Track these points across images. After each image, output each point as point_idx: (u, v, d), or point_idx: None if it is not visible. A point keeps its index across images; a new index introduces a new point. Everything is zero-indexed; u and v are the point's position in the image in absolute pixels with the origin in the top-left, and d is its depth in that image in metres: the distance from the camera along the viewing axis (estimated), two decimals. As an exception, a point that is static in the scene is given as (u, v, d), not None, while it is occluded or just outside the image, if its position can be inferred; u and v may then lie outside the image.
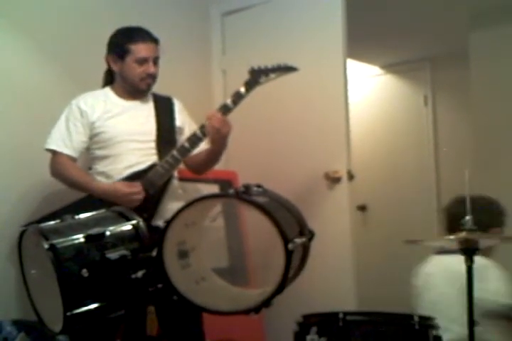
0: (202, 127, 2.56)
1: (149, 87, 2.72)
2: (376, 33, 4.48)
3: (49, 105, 2.88)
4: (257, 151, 3.65)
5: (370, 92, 5.60)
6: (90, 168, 2.71)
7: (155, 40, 2.69)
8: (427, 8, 4.11)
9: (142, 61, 2.64)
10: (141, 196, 2.50)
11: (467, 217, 2.14)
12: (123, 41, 2.65)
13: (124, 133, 2.64)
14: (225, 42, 3.94)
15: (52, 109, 2.72)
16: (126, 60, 2.64)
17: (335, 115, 3.41)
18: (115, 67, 2.69)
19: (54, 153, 2.64)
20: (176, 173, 2.74)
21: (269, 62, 2.63)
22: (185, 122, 2.82)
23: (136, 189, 2.50)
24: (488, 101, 4.13)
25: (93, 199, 2.52)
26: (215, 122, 2.51)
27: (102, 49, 2.73)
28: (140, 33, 2.67)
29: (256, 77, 2.59)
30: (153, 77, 2.70)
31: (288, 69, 2.63)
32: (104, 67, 2.78)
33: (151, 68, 2.66)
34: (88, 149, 2.68)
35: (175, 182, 2.74)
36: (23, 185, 2.89)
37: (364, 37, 4.23)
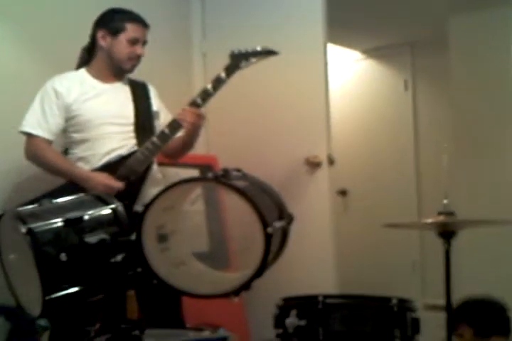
0: (174, 121, 2.55)
1: (133, 68, 2.71)
2: (357, 17, 4.48)
3: (26, 91, 2.83)
4: (238, 136, 3.64)
5: (351, 77, 5.60)
6: (66, 152, 2.68)
7: (146, 25, 2.70)
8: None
9: (134, 41, 2.64)
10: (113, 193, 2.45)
11: (445, 201, 2.16)
12: (120, 18, 2.65)
13: (103, 116, 2.62)
14: (205, 25, 3.91)
15: (29, 94, 2.67)
16: (119, 36, 2.63)
17: (315, 100, 3.41)
18: (103, 43, 2.66)
19: (29, 135, 2.60)
20: (155, 159, 2.73)
21: (250, 46, 2.61)
22: (160, 107, 2.82)
23: (116, 184, 2.48)
24: (468, 86, 4.14)
25: (73, 187, 2.47)
26: (190, 117, 2.51)
27: (81, 34, 2.70)
28: (136, 15, 2.69)
29: (236, 61, 2.58)
30: (139, 59, 2.70)
31: (268, 53, 2.62)
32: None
33: (140, 49, 2.66)
34: (64, 132, 2.65)
35: (155, 167, 2.73)
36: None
37: (345, 21, 4.22)
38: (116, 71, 2.70)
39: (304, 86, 3.44)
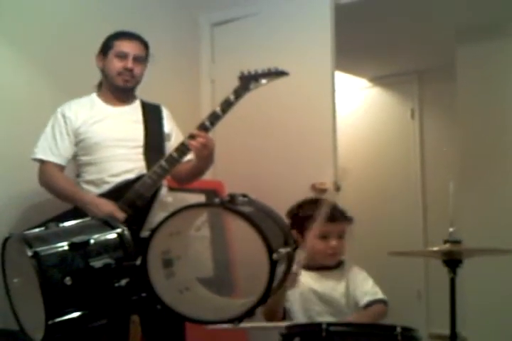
0: (182, 145, 2.54)
1: (126, 83, 2.69)
2: (365, 45, 4.52)
3: (36, 114, 2.88)
4: (244, 162, 3.66)
5: (358, 105, 5.63)
6: (78, 176, 2.69)
7: (142, 41, 2.72)
8: (416, 22, 4.15)
9: (122, 56, 2.66)
10: None
11: (451, 229, 2.15)
12: (110, 38, 2.71)
13: (109, 139, 2.63)
14: (214, 53, 3.96)
15: (41, 119, 2.71)
16: (108, 55, 2.67)
17: (322, 127, 3.43)
18: (100, 65, 2.72)
19: (42, 162, 2.62)
20: (165, 182, 2.72)
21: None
22: (172, 129, 2.82)
23: (119, 214, 2.46)
24: (474, 115, 4.16)
25: (80, 211, 2.48)
26: (197, 140, 2.49)
27: (91, 58, 2.74)
28: (128, 32, 2.72)
29: (246, 83, 2.56)
30: (131, 74, 2.68)
31: (278, 73, 2.59)
32: (94, 76, 2.79)
33: (129, 63, 2.66)
34: (75, 156, 2.67)
35: (164, 191, 2.72)
36: (6, 194, 2.87)
37: (353, 49, 4.26)
38: (115, 91, 2.72)
39: (311, 113, 3.46)
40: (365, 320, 2.36)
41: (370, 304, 2.43)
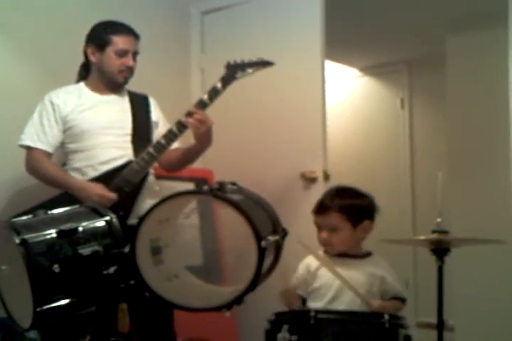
0: (178, 123, 2.55)
1: (126, 80, 2.72)
2: (355, 35, 4.52)
3: (25, 101, 2.85)
4: (234, 151, 3.65)
5: (348, 94, 5.63)
6: (65, 164, 2.68)
7: (136, 36, 2.70)
8: (406, 12, 4.15)
9: (122, 53, 2.64)
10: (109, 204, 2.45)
11: (438, 219, 2.17)
12: (105, 32, 2.66)
13: (97, 127, 2.63)
14: (204, 41, 3.94)
15: (28, 105, 2.70)
16: (106, 50, 2.64)
17: (312, 116, 3.43)
18: (93, 58, 2.68)
19: (29, 148, 2.61)
20: (152, 170, 2.73)
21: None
22: (159, 118, 2.83)
23: (110, 195, 2.47)
24: (464, 105, 4.17)
25: (68, 198, 2.48)
26: (194, 117, 2.50)
27: (80, 46, 2.72)
28: (122, 26, 2.69)
29: (232, 72, 2.60)
30: (131, 71, 2.70)
31: (264, 63, 2.64)
32: (81, 62, 2.77)
33: (130, 61, 2.66)
34: (62, 143, 2.67)
35: (151, 179, 2.72)
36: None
37: (343, 39, 4.26)
38: (110, 84, 2.71)
39: (301, 102, 3.45)
40: (389, 306, 2.28)
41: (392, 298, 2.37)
